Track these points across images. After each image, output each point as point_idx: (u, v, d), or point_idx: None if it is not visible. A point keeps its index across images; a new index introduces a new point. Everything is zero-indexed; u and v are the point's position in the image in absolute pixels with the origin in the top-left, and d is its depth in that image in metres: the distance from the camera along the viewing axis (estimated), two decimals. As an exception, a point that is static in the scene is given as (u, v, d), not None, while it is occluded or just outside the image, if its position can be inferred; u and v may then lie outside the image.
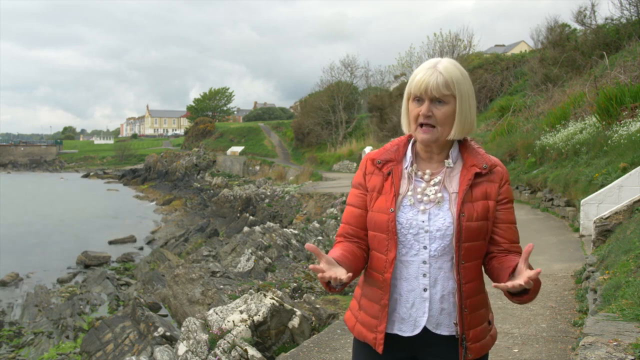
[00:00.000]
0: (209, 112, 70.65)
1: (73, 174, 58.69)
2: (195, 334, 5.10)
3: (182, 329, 5.38)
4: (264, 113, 71.15)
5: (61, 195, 36.72)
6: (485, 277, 1.70)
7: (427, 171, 1.67)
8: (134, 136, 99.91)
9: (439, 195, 1.63)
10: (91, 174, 56.54)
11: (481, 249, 1.63)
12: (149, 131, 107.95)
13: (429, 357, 1.65)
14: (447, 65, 1.61)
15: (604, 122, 10.11)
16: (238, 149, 44.16)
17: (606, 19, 18.35)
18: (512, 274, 1.54)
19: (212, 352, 4.77)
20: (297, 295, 7.74)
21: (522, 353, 3.85)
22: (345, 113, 37.08)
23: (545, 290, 5.51)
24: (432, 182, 1.66)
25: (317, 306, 6.29)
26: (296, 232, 14.32)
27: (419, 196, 1.64)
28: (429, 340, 1.62)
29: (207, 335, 5.02)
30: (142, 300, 9.39)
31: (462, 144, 1.71)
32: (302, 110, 42.63)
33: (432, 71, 1.59)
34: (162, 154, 47.74)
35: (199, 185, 35.51)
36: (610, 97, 10.04)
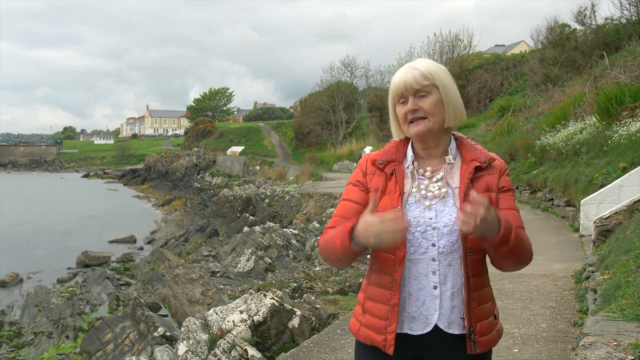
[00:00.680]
0: (209, 112, 70.68)
1: (73, 174, 58.71)
2: (195, 334, 5.10)
3: (182, 329, 5.38)
4: (264, 113, 71.17)
5: (61, 195, 36.72)
6: (491, 273, 1.70)
7: (429, 168, 1.69)
8: (134, 136, 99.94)
9: (443, 190, 1.64)
10: (91, 174, 56.55)
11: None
12: (149, 131, 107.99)
13: (437, 357, 1.65)
14: (422, 62, 1.67)
15: (604, 122, 10.11)
16: (238, 149, 44.17)
17: (606, 19, 18.38)
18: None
19: (212, 352, 4.77)
20: (297, 295, 7.74)
21: (522, 353, 3.85)
22: (345, 113, 37.09)
23: (545, 290, 5.51)
24: (434, 179, 1.67)
25: (317, 306, 6.29)
26: (296, 232, 14.32)
27: (423, 192, 1.65)
28: (440, 339, 1.62)
29: (207, 335, 5.02)
30: (142, 300, 9.39)
31: (459, 142, 1.73)
32: (302, 110, 42.64)
33: (407, 69, 1.66)
34: (162, 154, 47.75)
35: (199, 185, 35.51)
36: (610, 97, 10.04)
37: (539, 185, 11.28)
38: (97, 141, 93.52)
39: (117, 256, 17.65)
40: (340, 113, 36.85)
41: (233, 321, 5.07)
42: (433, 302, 1.61)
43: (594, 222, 6.03)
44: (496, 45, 52.50)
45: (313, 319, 5.77)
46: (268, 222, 16.29)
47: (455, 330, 1.61)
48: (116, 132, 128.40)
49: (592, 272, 4.74)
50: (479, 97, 23.95)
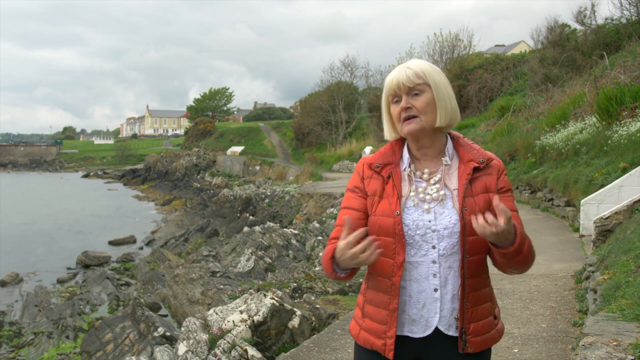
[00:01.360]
0: (209, 112, 70.70)
1: (73, 174, 58.71)
2: (195, 334, 5.10)
3: (182, 329, 5.38)
4: (264, 113, 71.17)
5: (61, 195, 36.72)
6: (491, 273, 1.70)
7: (426, 170, 1.68)
8: (134, 136, 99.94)
9: (441, 192, 1.63)
10: (91, 174, 56.56)
11: (485, 242, 1.63)
12: (149, 131, 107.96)
13: (436, 357, 1.65)
14: (415, 62, 1.68)
15: (604, 122, 10.10)
16: (238, 149, 44.19)
17: (606, 19, 18.35)
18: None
19: (212, 352, 4.77)
20: (297, 295, 7.74)
21: (522, 353, 3.85)
22: (345, 113, 37.08)
23: (545, 290, 5.51)
24: (432, 181, 1.66)
25: (317, 306, 6.29)
26: (296, 232, 14.32)
27: (421, 196, 1.64)
28: (440, 342, 1.62)
29: (207, 335, 5.02)
30: (142, 300, 9.39)
31: (456, 142, 1.72)
32: (302, 110, 42.64)
33: (400, 68, 1.67)
34: (162, 154, 47.74)
35: (199, 185, 35.51)
36: (610, 97, 10.03)
37: (539, 185, 11.28)
38: (97, 141, 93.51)
39: (117, 256, 17.65)
40: (340, 113, 36.85)
41: (233, 321, 5.07)
42: (433, 304, 1.61)
43: (594, 222, 6.02)
44: (496, 45, 52.51)
45: (313, 319, 5.77)
46: (268, 222, 16.29)
47: (453, 332, 1.62)
48: (116, 132, 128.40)
49: (592, 272, 4.73)
50: (479, 97, 23.92)
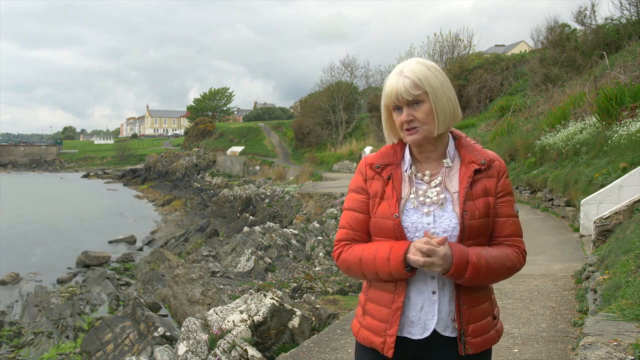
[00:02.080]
0: (209, 112, 70.70)
1: (73, 174, 58.70)
2: (195, 334, 5.10)
3: (182, 329, 5.38)
4: (264, 113, 71.16)
5: (61, 195, 36.71)
6: None
7: (427, 172, 1.67)
8: (134, 136, 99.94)
9: (441, 196, 1.62)
10: (91, 174, 56.55)
11: (481, 245, 1.63)
12: (149, 131, 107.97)
13: (435, 358, 1.65)
14: (412, 67, 1.61)
15: (604, 122, 10.10)
16: (238, 149, 44.19)
17: (606, 19, 18.36)
18: None
19: (212, 352, 4.77)
20: (297, 295, 7.74)
21: (522, 353, 3.85)
22: (345, 113, 37.08)
23: (545, 290, 5.51)
24: (432, 184, 1.65)
25: (317, 306, 6.29)
26: (296, 232, 14.32)
27: (421, 198, 1.63)
28: (438, 343, 1.62)
29: (207, 335, 5.02)
30: (142, 300, 9.39)
31: (458, 142, 1.71)
32: (302, 110, 42.64)
33: (397, 77, 1.61)
34: (162, 154, 47.73)
35: (199, 185, 35.51)
36: (610, 97, 10.03)
37: (539, 185, 11.28)
38: (97, 141, 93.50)
39: (117, 256, 17.65)
40: (340, 113, 36.85)
41: (233, 321, 5.07)
42: (431, 307, 1.61)
43: (594, 222, 6.02)
44: (496, 45, 52.51)
45: (313, 319, 5.77)
46: (268, 222, 16.29)
47: (449, 333, 1.62)
48: (116, 132, 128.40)
49: (592, 272, 4.73)
50: (479, 97, 23.93)
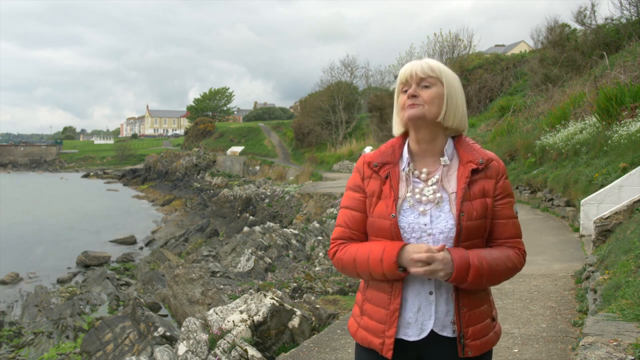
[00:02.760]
0: (209, 112, 70.69)
1: (73, 174, 58.67)
2: (195, 334, 5.10)
3: (182, 329, 5.38)
4: (264, 113, 71.16)
5: (61, 195, 36.71)
6: None
7: (424, 170, 1.66)
8: (134, 136, 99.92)
9: (438, 195, 1.61)
10: (91, 174, 56.53)
11: (478, 246, 1.62)
12: (149, 131, 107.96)
13: (433, 358, 1.64)
14: (433, 60, 1.68)
15: (604, 122, 10.10)
16: (238, 149, 44.19)
17: (606, 19, 18.37)
18: None
19: (212, 352, 4.77)
20: (297, 295, 7.74)
21: (522, 353, 3.85)
22: (345, 113, 37.08)
23: (545, 290, 5.51)
24: (429, 182, 1.64)
25: (317, 306, 6.29)
26: (296, 232, 14.32)
27: (417, 196, 1.62)
28: (437, 344, 1.61)
29: (207, 335, 5.02)
30: (142, 300, 9.39)
31: (457, 141, 1.70)
32: (302, 110, 42.64)
33: (416, 61, 1.68)
34: (162, 154, 47.72)
35: (199, 185, 35.51)
36: (610, 97, 10.03)
37: (539, 185, 11.28)
38: (97, 141, 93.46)
39: (117, 256, 17.64)
40: (340, 113, 36.85)
41: (233, 321, 5.07)
42: (428, 307, 1.60)
43: (594, 222, 6.02)
44: (496, 45, 52.50)
45: (313, 319, 5.77)
46: (268, 222, 16.29)
47: (448, 333, 1.61)
48: (116, 132, 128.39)
49: (592, 272, 4.73)
50: (479, 97, 23.94)
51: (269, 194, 23.26)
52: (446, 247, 1.57)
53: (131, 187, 42.93)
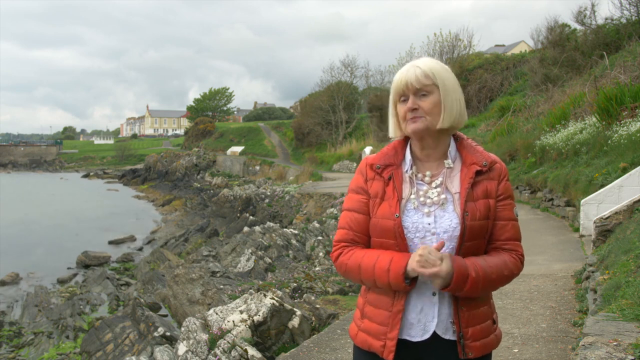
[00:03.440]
0: (209, 112, 70.68)
1: (73, 174, 58.67)
2: (195, 334, 5.10)
3: (182, 329, 5.38)
4: (264, 113, 71.15)
5: (61, 195, 36.71)
6: None
7: (428, 173, 1.66)
8: (134, 136, 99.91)
9: (442, 197, 1.62)
10: (91, 174, 56.52)
11: (480, 247, 1.63)
12: (149, 131, 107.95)
13: (435, 359, 1.64)
14: (425, 61, 1.65)
15: (604, 122, 10.10)
16: (238, 149, 44.19)
17: (606, 19, 18.37)
18: None
19: (212, 352, 4.77)
20: (297, 295, 7.74)
21: (522, 353, 3.85)
22: (345, 113, 37.07)
23: (545, 290, 5.51)
24: (433, 184, 1.65)
25: (317, 306, 6.29)
26: (296, 232, 14.32)
27: (421, 199, 1.63)
28: (438, 345, 1.61)
29: (207, 335, 5.02)
30: (142, 300, 9.39)
31: (459, 143, 1.70)
32: (302, 110, 42.63)
33: (409, 67, 1.64)
34: (162, 154, 47.72)
35: (199, 185, 35.50)
36: (610, 97, 10.03)
37: (539, 185, 11.28)
38: (97, 141, 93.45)
39: (117, 256, 17.64)
40: (340, 113, 36.84)
41: (233, 321, 5.07)
42: (431, 308, 1.60)
43: (594, 222, 6.02)
44: (496, 45, 52.51)
45: (313, 319, 5.77)
46: (268, 222, 16.28)
47: (450, 336, 1.60)
48: (116, 132, 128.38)
49: (592, 272, 4.73)
50: (479, 97, 23.94)
51: (269, 194, 23.26)
52: (448, 246, 1.58)
53: (131, 187, 42.93)
